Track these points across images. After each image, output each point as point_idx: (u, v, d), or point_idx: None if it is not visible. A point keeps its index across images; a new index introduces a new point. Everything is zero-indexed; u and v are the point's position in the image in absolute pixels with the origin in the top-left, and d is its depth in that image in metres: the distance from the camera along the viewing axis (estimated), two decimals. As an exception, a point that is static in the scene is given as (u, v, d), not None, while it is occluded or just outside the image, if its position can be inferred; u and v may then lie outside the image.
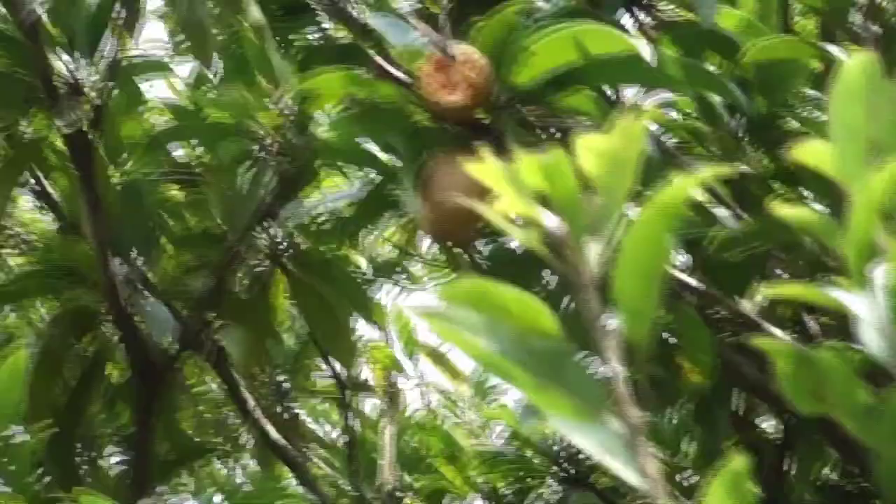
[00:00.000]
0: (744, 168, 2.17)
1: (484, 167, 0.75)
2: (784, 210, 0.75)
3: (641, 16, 2.25)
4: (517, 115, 1.55)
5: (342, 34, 2.71)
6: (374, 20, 1.59)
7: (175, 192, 2.91)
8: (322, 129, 1.52)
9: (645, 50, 1.38)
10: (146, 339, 2.35)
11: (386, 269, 3.26)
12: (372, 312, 2.77)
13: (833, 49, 1.53)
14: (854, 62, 0.71)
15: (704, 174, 0.70)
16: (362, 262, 3.10)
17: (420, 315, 0.70)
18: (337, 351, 2.66)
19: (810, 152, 0.73)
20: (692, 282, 1.72)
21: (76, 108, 2.23)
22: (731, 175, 2.22)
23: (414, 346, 3.71)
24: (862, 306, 0.69)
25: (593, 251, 0.72)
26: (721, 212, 1.77)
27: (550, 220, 0.74)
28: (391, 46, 1.54)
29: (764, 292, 1.88)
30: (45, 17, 2.27)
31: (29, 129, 2.56)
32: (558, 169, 0.72)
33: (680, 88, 1.69)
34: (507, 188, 0.75)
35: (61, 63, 2.33)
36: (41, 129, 2.43)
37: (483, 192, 1.50)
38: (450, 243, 1.55)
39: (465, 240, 1.59)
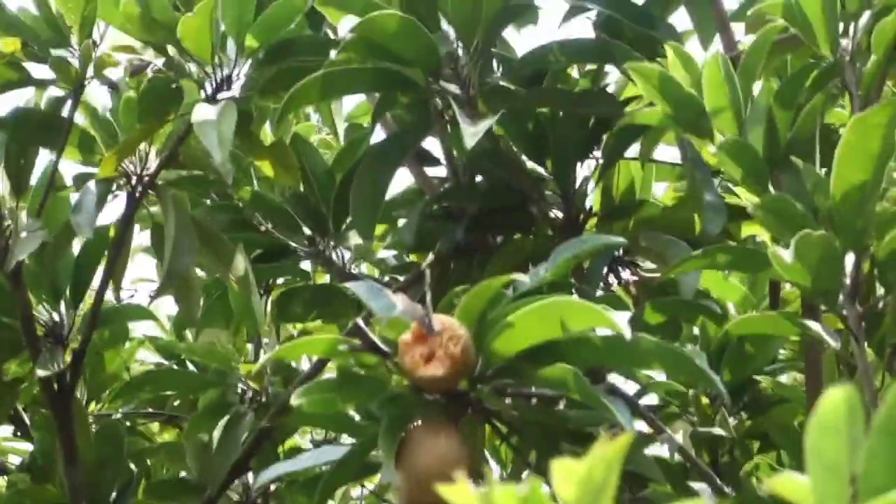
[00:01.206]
0: (719, 431, 2.18)
1: (456, 490, 0.74)
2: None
3: (625, 274, 2.29)
4: (497, 385, 1.55)
5: (322, 279, 2.75)
6: (354, 287, 1.59)
7: (154, 435, 2.91)
8: (295, 395, 1.50)
9: (626, 329, 1.38)
10: None
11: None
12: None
13: (814, 326, 1.53)
14: (833, 396, 0.69)
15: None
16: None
17: None
18: None
19: (788, 486, 0.71)
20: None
21: (56, 355, 2.23)
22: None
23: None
24: None
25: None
26: (701, 486, 1.75)
27: None
28: (372, 315, 1.53)
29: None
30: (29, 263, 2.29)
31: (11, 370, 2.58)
32: (535, 501, 0.72)
33: (659, 369, 1.70)
34: None
35: (44, 309, 2.34)
36: (22, 372, 2.40)
37: (458, 466, 1.49)
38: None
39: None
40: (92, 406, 2.79)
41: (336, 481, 1.66)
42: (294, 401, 1.51)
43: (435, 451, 1.49)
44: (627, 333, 1.38)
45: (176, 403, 2.83)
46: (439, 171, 2.35)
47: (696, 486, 1.74)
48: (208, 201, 2.59)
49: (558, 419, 1.59)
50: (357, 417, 1.75)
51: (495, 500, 0.74)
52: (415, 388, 1.51)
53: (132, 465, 2.54)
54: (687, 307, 1.90)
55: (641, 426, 2.03)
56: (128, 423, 2.86)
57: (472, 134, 1.73)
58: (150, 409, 2.86)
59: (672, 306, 1.89)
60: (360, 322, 1.49)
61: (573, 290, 1.61)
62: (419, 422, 1.53)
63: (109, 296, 2.39)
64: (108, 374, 2.80)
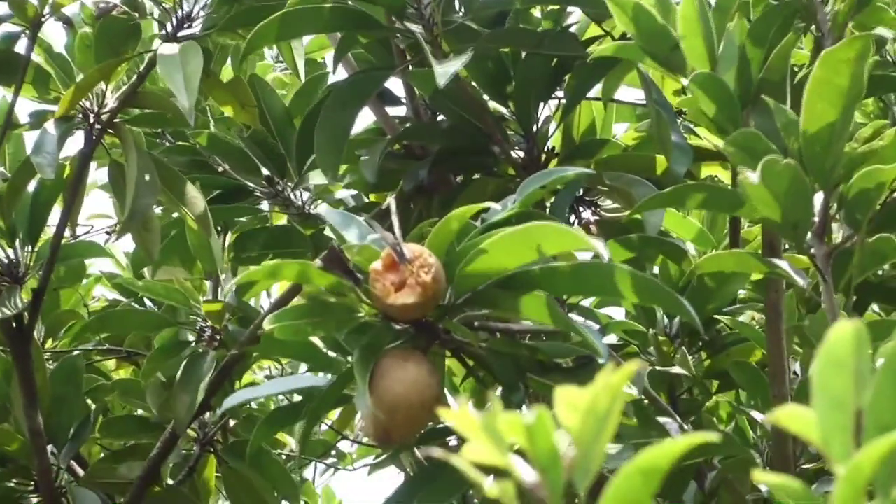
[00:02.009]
0: (678, 370, 2.20)
1: (458, 415, 0.73)
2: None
3: (587, 214, 2.30)
4: (465, 315, 1.55)
5: (280, 220, 2.75)
6: (327, 214, 1.59)
7: (111, 371, 2.91)
8: (268, 320, 1.49)
9: (603, 251, 1.37)
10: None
11: (317, 449, 3.25)
12: (298, 497, 2.75)
13: (780, 264, 1.54)
14: (841, 330, 0.69)
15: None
16: (292, 443, 3.10)
17: None
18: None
19: (794, 418, 0.70)
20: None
21: (14, 295, 2.21)
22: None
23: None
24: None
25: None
26: (667, 420, 1.77)
27: (528, 476, 0.73)
28: (344, 242, 1.53)
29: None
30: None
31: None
32: (541, 430, 0.72)
33: (633, 301, 1.70)
34: (481, 437, 0.73)
35: (1, 250, 2.33)
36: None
37: (428, 394, 1.50)
38: (391, 441, 1.53)
39: (407, 440, 1.57)
40: (49, 343, 2.79)
41: (317, 413, 1.66)
42: (267, 325, 1.50)
43: (405, 380, 1.49)
44: (606, 256, 1.38)
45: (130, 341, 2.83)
46: (399, 111, 2.35)
47: (663, 420, 1.75)
48: (165, 142, 2.58)
49: (528, 350, 1.60)
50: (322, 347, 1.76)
51: (500, 427, 0.73)
52: (385, 316, 1.52)
53: (89, 403, 2.54)
54: (653, 244, 1.91)
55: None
56: (85, 361, 2.86)
57: (443, 74, 1.72)
58: (107, 346, 2.86)
59: (638, 243, 1.89)
60: (336, 246, 1.49)
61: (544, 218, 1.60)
62: (389, 351, 1.54)
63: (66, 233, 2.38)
64: (65, 311, 2.80)
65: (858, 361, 0.69)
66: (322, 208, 1.63)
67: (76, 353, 2.60)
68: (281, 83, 3.05)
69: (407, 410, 1.48)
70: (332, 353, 1.73)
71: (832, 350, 0.70)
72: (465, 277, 1.47)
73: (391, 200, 1.62)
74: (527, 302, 1.47)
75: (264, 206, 2.63)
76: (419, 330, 1.55)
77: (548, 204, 1.98)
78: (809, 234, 1.49)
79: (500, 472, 0.74)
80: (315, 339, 1.72)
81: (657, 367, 2.20)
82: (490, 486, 0.73)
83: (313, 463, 3.46)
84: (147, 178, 2.14)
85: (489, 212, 1.57)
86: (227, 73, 2.60)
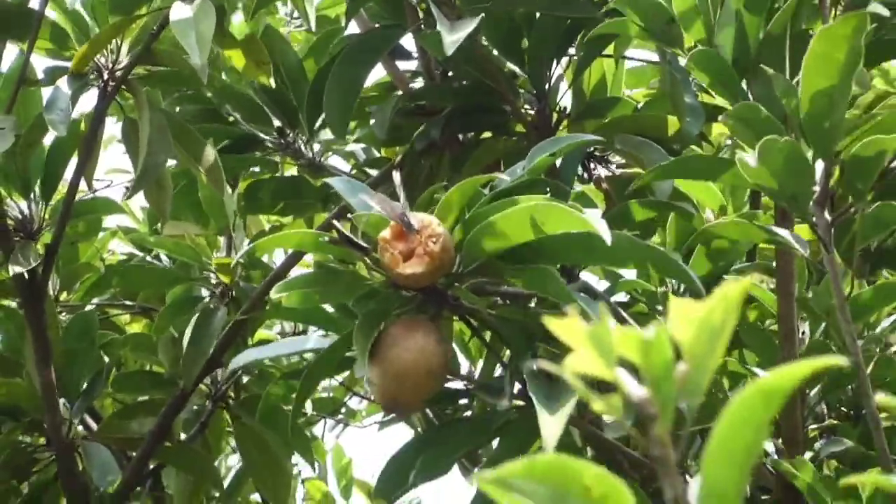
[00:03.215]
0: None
1: (565, 324, 0.71)
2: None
3: (598, 170, 2.30)
4: (474, 284, 1.57)
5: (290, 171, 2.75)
6: (333, 182, 1.60)
7: (125, 325, 2.92)
8: (275, 289, 1.51)
9: (604, 231, 1.39)
10: (87, 484, 2.33)
11: (327, 406, 3.27)
12: (311, 452, 2.77)
13: (781, 233, 1.55)
14: None
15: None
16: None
17: (486, 484, 0.68)
18: (273, 489, 2.63)
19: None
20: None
21: (28, 251, 2.22)
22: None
23: (351, 483, 3.70)
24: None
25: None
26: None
27: (637, 392, 0.72)
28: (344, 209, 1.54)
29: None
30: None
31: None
32: (658, 346, 0.70)
33: (635, 268, 1.72)
34: (588, 348, 0.72)
35: (15, 205, 2.33)
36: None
37: (436, 362, 1.51)
38: (399, 409, 1.54)
39: (415, 407, 1.58)
40: (63, 296, 2.80)
41: (317, 374, 1.68)
42: (273, 294, 1.52)
43: (413, 348, 1.50)
44: (608, 237, 1.39)
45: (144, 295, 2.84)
46: (411, 65, 2.35)
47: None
48: (176, 93, 2.58)
49: (534, 317, 1.61)
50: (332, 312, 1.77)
51: (616, 340, 0.71)
52: (393, 284, 1.53)
53: (104, 356, 2.55)
54: (664, 207, 1.91)
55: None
56: (99, 315, 2.88)
57: (451, 43, 1.72)
58: (121, 300, 2.87)
59: (651, 206, 1.90)
60: (336, 223, 1.50)
61: (547, 188, 1.61)
62: (397, 318, 1.55)
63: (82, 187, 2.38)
64: (81, 264, 2.81)
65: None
66: (329, 178, 1.63)
67: (89, 307, 2.61)
68: (295, 39, 3.05)
69: (415, 378, 1.50)
70: (341, 317, 1.74)
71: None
72: (472, 249, 1.49)
73: (394, 168, 1.63)
74: (530, 274, 1.48)
75: (275, 158, 2.63)
76: (428, 297, 1.57)
77: (558, 163, 1.98)
78: (812, 204, 1.50)
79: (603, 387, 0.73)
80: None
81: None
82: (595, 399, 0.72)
83: (323, 420, 3.48)
84: (160, 135, 2.15)
85: (498, 180, 1.58)
86: (240, 28, 2.60)
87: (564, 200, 1.60)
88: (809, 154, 1.45)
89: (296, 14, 3.25)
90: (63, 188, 2.42)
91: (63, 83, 2.13)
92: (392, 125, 2.18)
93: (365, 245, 1.51)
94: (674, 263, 1.53)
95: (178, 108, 2.53)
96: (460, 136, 2.22)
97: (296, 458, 2.94)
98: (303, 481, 3.55)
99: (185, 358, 2.33)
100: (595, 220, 1.41)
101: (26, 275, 2.22)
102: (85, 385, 2.45)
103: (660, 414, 0.70)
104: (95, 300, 2.83)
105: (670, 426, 0.71)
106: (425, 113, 2.23)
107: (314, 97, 2.30)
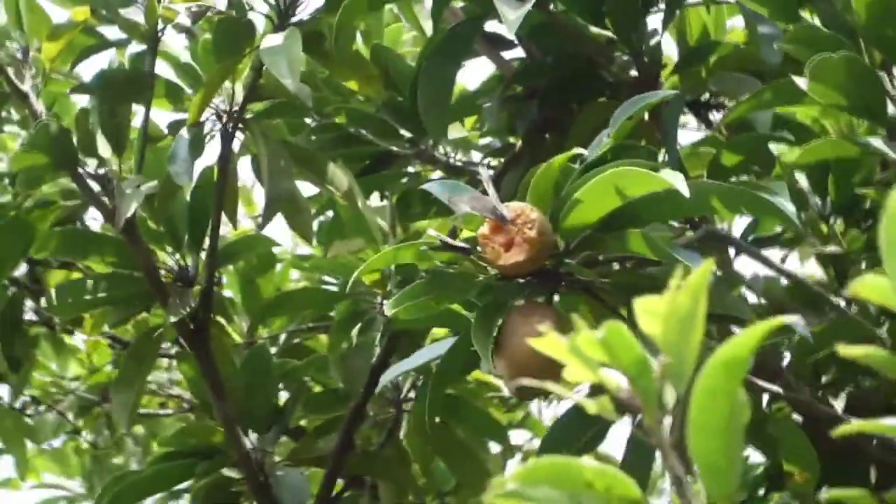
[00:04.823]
0: (833, 249, 2.18)
1: (546, 341, 0.77)
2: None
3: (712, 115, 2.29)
4: (581, 258, 1.59)
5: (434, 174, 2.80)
6: (430, 188, 1.64)
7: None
8: (388, 305, 1.56)
9: (682, 186, 1.40)
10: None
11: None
12: (506, 438, 2.81)
13: (874, 143, 1.54)
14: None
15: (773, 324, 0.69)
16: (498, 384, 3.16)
17: (496, 499, 0.72)
18: (469, 476, 2.67)
19: (871, 288, 0.72)
20: (777, 389, 1.74)
21: (186, 297, 2.32)
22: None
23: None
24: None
25: (667, 415, 0.73)
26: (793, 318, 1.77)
27: (621, 388, 0.75)
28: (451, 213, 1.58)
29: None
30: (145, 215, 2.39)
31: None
32: (616, 341, 0.74)
33: (723, 213, 1.72)
34: (571, 359, 0.77)
35: (166, 255, 2.44)
36: (159, 320, 2.50)
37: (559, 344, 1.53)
38: (530, 395, 1.58)
39: (540, 393, 1.61)
40: (260, 330, 2.92)
41: (444, 379, 1.71)
42: (389, 311, 1.57)
43: (531, 333, 1.53)
44: (685, 190, 1.41)
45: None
46: (517, 53, 2.37)
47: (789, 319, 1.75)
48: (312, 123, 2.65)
49: (647, 278, 1.62)
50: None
51: (580, 345, 0.76)
52: (503, 276, 1.56)
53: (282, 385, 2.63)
54: (762, 140, 1.90)
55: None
56: (295, 341, 2.98)
57: (514, 20, 1.74)
58: (311, 324, 2.96)
59: (748, 142, 1.89)
60: (431, 230, 1.54)
61: (638, 150, 1.62)
62: (514, 308, 1.58)
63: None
64: (264, 298, 2.91)
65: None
66: (427, 184, 1.67)
67: (260, 342, 2.70)
68: (419, 42, 3.09)
69: (538, 364, 1.52)
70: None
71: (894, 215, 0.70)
72: (568, 227, 1.51)
73: (481, 169, 1.66)
74: (625, 239, 1.50)
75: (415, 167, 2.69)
76: (540, 280, 1.59)
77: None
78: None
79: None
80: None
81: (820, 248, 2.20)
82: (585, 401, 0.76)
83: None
84: (280, 166, 2.22)
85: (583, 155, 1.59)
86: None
87: (654, 161, 1.63)
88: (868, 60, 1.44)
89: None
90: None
91: (183, 133, 2.23)
92: (507, 113, 2.21)
93: (465, 245, 1.55)
94: (765, 202, 1.53)
95: (314, 137, 2.60)
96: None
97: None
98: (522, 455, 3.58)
99: (349, 370, 2.41)
100: (671, 176, 1.43)
101: (189, 322, 2.33)
102: (272, 417, 2.54)
103: (643, 406, 0.73)
104: (291, 327, 2.94)
105: (660, 415, 0.73)
106: (532, 95, 2.25)
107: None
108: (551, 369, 1.53)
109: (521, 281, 1.59)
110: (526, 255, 1.49)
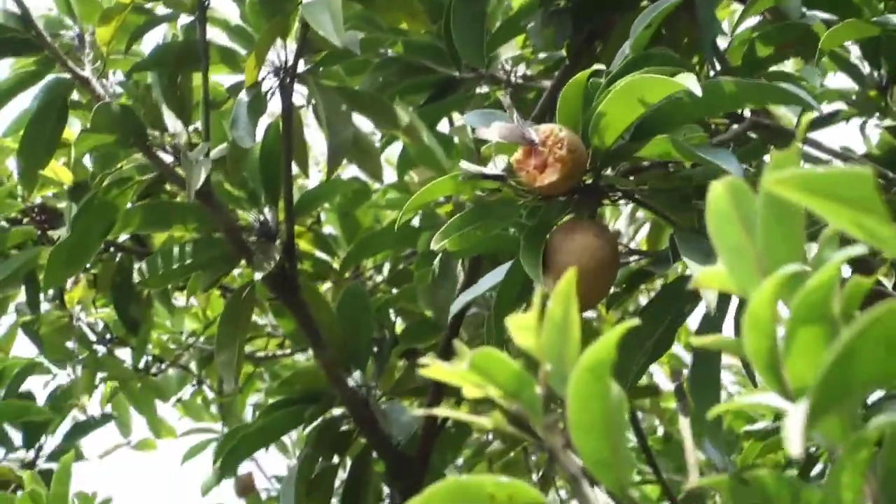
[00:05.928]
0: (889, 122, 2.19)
1: (437, 370, 0.79)
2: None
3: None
4: (621, 168, 1.62)
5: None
6: (468, 119, 1.68)
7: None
8: (435, 240, 1.60)
9: (695, 86, 1.43)
10: (393, 440, 2.49)
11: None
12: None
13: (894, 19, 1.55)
14: (717, 190, 0.74)
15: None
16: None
17: None
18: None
19: (711, 278, 0.75)
20: None
21: (270, 251, 2.38)
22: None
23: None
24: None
25: (556, 419, 0.77)
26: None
27: (507, 403, 0.79)
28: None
29: None
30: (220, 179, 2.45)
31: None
32: (490, 364, 0.78)
33: (743, 105, 1.73)
34: (463, 380, 0.80)
35: (246, 214, 2.51)
36: (249, 277, 2.57)
37: (601, 255, 1.57)
38: (587, 309, 1.61)
39: (596, 302, 1.65)
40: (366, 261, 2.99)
41: (503, 305, 1.74)
42: (435, 245, 1.61)
43: (574, 250, 1.57)
44: (697, 90, 1.43)
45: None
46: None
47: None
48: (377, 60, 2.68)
49: (684, 180, 1.65)
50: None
51: (459, 375, 0.79)
52: (543, 197, 1.60)
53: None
54: (793, 29, 1.91)
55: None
56: (400, 267, 3.05)
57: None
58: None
59: (780, 32, 1.90)
60: (464, 163, 1.58)
61: (663, 59, 1.64)
62: (558, 227, 1.62)
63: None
64: (364, 231, 2.98)
65: (741, 210, 0.74)
66: (466, 115, 1.71)
67: (354, 281, 2.77)
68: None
69: (586, 277, 1.56)
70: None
71: (715, 209, 0.75)
72: (598, 140, 1.54)
73: (502, 96, 1.68)
74: (656, 145, 1.53)
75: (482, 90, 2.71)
76: (581, 196, 1.63)
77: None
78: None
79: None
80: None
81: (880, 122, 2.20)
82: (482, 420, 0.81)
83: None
84: (337, 113, 2.27)
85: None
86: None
87: (680, 63, 1.65)
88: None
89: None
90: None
91: (242, 96, 2.28)
92: (551, 29, 2.23)
93: (501, 173, 1.59)
94: (778, 90, 1.55)
95: (379, 73, 2.64)
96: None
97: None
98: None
99: (435, 298, 2.46)
100: (684, 78, 1.45)
101: (277, 275, 2.39)
102: (374, 350, 2.62)
103: (529, 416, 0.78)
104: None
105: (549, 420, 0.77)
106: (573, 9, 2.26)
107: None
108: (598, 279, 1.58)
109: (563, 199, 1.62)
110: (560, 175, 1.52)
